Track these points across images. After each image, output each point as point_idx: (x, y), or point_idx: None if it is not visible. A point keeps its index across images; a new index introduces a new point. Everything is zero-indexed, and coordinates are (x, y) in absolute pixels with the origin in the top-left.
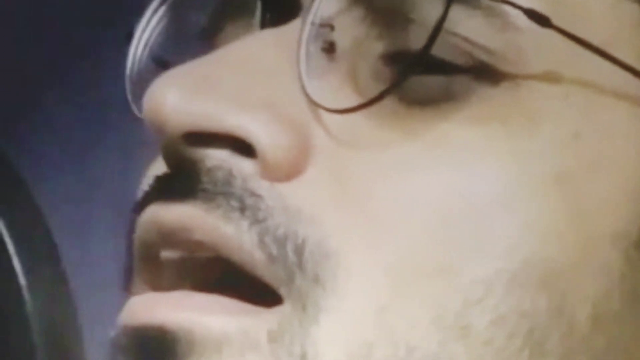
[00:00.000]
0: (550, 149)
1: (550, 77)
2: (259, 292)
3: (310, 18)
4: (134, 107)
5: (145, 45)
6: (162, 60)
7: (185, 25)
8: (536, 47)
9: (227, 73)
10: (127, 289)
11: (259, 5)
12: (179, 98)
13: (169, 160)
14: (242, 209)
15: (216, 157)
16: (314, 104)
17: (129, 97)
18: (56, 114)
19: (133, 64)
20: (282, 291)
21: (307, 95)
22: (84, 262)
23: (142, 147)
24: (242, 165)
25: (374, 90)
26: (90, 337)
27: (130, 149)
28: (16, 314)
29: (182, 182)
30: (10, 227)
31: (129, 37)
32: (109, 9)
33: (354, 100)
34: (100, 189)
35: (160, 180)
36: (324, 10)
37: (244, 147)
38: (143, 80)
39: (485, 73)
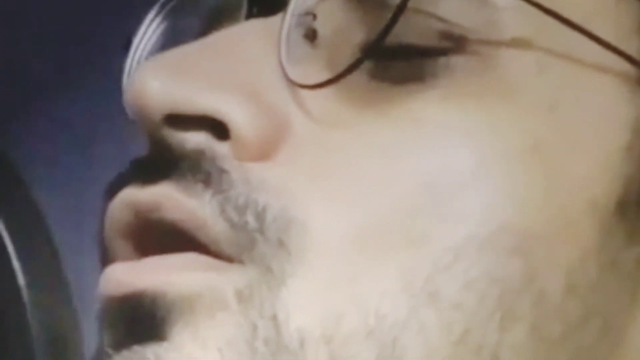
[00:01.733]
0: (525, 121)
1: (525, 48)
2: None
3: (292, 7)
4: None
5: (143, 53)
6: None
7: (182, 33)
8: (511, 23)
9: (208, 58)
10: (101, 263)
11: (245, 1)
12: (159, 82)
13: (151, 144)
14: (207, 182)
15: (194, 140)
16: (289, 82)
17: (126, 105)
18: (55, 114)
19: (130, 71)
20: (245, 257)
21: (285, 75)
22: (84, 262)
23: (141, 146)
24: (216, 147)
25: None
26: (90, 336)
27: (131, 148)
28: (15, 313)
29: (158, 165)
30: (10, 228)
31: (127, 44)
32: (106, 13)
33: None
34: (100, 189)
35: (136, 164)
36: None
37: (221, 130)
38: None
39: (458, 49)
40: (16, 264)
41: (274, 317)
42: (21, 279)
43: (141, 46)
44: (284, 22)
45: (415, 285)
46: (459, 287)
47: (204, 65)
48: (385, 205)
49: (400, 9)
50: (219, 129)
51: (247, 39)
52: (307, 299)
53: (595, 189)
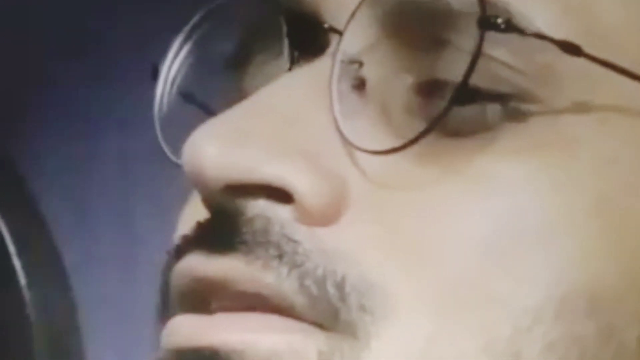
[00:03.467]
0: (588, 176)
1: (586, 103)
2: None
3: (339, 56)
4: (163, 145)
5: (173, 81)
6: (189, 95)
7: (211, 59)
8: (571, 71)
9: (263, 122)
10: (161, 322)
11: (286, 43)
12: (217, 151)
13: (210, 208)
14: (281, 256)
15: (256, 207)
16: (351, 146)
17: (159, 134)
18: (56, 114)
19: (161, 100)
20: (329, 324)
21: (343, 137)
22: (85, 262)
23: (141, 147)
24: (279, 212)
25: (409, 125)
26: (90, 336)
27: (130, 148)
28: (16, 313)
29: (222, 234)
30: (10, 227)
31: (154, 73)
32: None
33: (388, 139)
34: (101, 189)
35: (200, 228)
36: (352, 46)
37: (282, 194)
38: (172, 117)
39: (522, 100)
40: (17, 264)
41: None
42: (22, 279)
43: (171, 75)
44: (332, 76)
45: (496, 347)
46: (540, 349)
47: (258, 129)
48: (456, 265)
49: (478, 51)
50: (279, 193)
51: (295, 96)
52: (388, 359)
53: None
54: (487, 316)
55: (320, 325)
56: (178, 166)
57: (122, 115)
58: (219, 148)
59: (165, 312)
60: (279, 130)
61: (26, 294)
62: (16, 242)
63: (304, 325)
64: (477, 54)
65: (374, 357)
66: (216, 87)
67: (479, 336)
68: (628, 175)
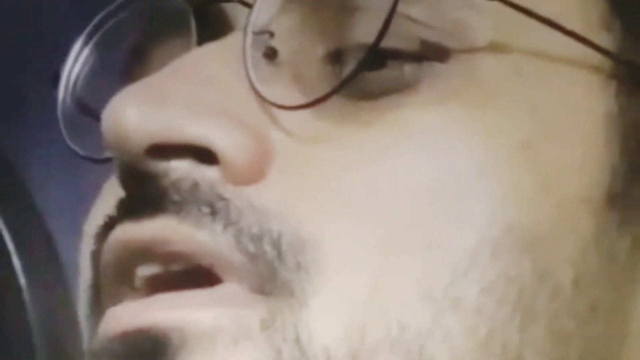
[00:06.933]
0: (509, 121)
1: (502, 51)
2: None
3: (250, 27)
4: (72, 146)
5: (74, 86)
6: (84, 105)
7: (111, 61)
8: (486, 22)
9: (181, 84)
10: (93, 310)
11: (193, 24)
12: (138, 113)
13: (130, 178)
14: (213, 213)
15: (179, 168)
16: (268, 103)
17: (65, 135)
18: (55, 114)
19: (64, 105)
20: (268, 288)
21: (261, 96)
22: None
23: None
24: (205, 173)
25: (321, 89)
26: None
27: None
28: (16, 313)
29: (149, 198)
30: (10, 227)
31: (55, 79)
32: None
33: (302, 101)
34: (100, 189)
35: (124, 202)
36: (261, 17)
37: (205, 155)
38: (75, 120)
39: (435, 54)
40: (17, 264)
41: (297, 339)
42: (22, 279)
43: (71, 80)
44: (245, 44)
45: (436, 293)
46: (478, 291)
47: (179, 91)
48: (390, 213)
49: (391, 12)
50: (202, 154)
51: (210, 62)
52: (329, 316)
53: (583, 183)
54: (425, 262)
55: (261, 290)
56: (90, 161)
57: None
58: (139, 110)
59: (97, 307)
60: (199, 91)
61: (26, 294)
62: (16, 241)
63: (246, 295)
64: (391, 13)
65: (314, 314)
66: (115, 89)
67: (419, 283)
68: (547, 123)
